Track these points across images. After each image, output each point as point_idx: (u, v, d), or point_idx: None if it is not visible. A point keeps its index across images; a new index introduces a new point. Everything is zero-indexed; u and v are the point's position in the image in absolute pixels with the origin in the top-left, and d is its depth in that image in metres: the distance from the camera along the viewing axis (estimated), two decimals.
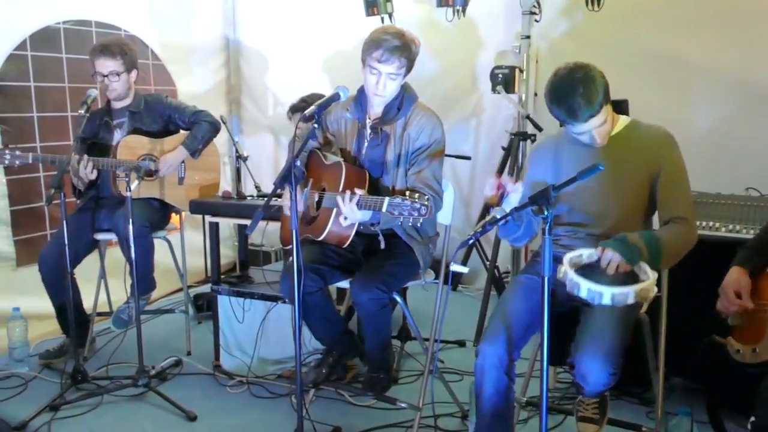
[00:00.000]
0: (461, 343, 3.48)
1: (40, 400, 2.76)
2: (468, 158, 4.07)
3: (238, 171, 3.73)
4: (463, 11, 3.67)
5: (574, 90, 1.96)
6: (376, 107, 2.50)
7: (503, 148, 3.84)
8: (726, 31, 3.36)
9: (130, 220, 2.67)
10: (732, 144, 3.35)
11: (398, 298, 2.43)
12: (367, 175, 2.47)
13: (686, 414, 2.30)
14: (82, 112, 2.83)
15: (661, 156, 2.10)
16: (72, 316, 2.87)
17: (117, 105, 3.23)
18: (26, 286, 3.36)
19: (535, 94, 3.89)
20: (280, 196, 2.62)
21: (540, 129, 3.63)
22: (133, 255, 2.74)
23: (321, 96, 3.25)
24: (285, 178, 2.11)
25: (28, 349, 3.19)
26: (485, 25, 4.14)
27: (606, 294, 1.76)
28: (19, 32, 3.50)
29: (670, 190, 2.09)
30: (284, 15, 4.72)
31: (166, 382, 3.04)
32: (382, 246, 2.51)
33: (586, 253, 1.95)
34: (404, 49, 2.36)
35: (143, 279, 3.05)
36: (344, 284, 2.52)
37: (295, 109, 3.81)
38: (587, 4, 3.42)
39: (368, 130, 2.53)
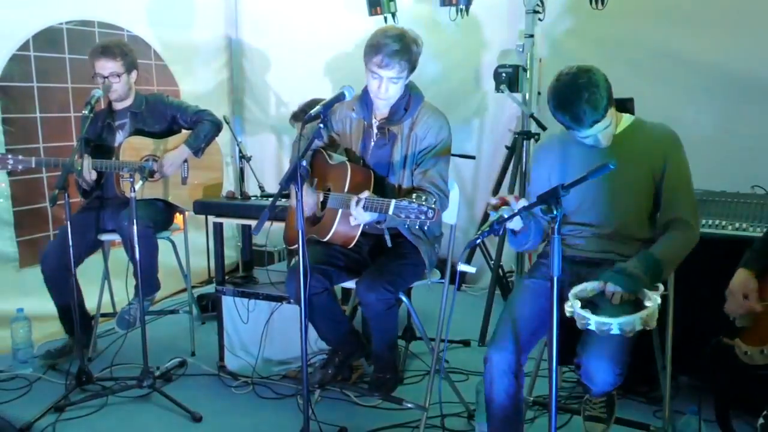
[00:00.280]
0: (466, 343, 3.48)
1: (44, 402, 2.76)
2: (472, 158, 4.06)
3: (241, 171, 3.73)
4: (467, 10, 3.66)
5: (578, 96, 1.94)
6: (381, 108, 2.49)
7: (507, 148, 3.83)
8: (731, 29, 3.35)
9: (135, 221, 2.66)
10: (737, 142, 3.35)
11: (404, 298, 2.42)
12: (372, 175, 2.47)
13: (694, 413, 2.29)
14: (86, 112, 2.82)
15: (665, 155, 2.09)
16: (76, 316, 2.87)
17: (118, 106, 3.23)
18: (30, 286, 3.36)
19: (539, 93, 3.88)
20: (286, 196, 2.62)
21: (544, 128, 3.62)
22: (137, 255, 2.73)
23: (320, 101, 3.25)
24: (291, 178, 2.10)
25: (32, 350, 3.18)
26: (489, 24, 4.14)
27: (614, 325, 1.84)
28: (22, 33, 3.50)
29: (673, 191, 2.09)
30: (286, 14, 4.71)
31: (170, 383, 3.04)
32: (389, 244, 2.50)
33: (590, 287, 1.99)
34: (404, 52, 2.34)
35: (148, 280, 3.05)
36: (350, 284, 2.52)
37: (296, 118, 3.81)
38: (591, 3, 3.41)
39: (375, 130, 2.52)
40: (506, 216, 1.94)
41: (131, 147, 3.15)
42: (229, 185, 4.27)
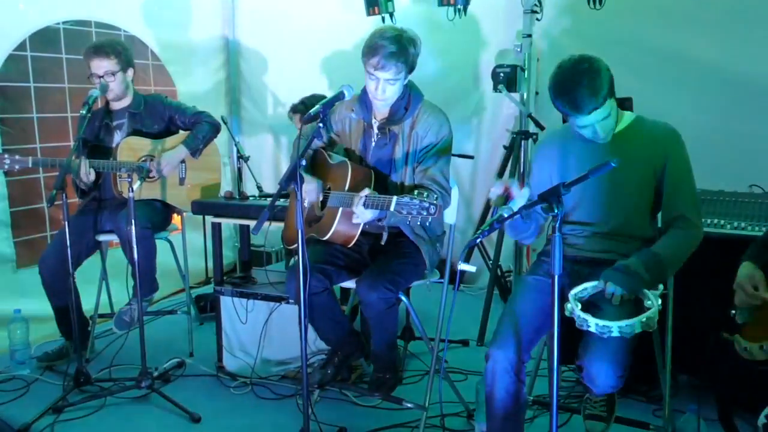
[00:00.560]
0: (465, 343, 3.48)
1: (42, 403, 2.75)
2: (471, 157, 4.07)
3: (239, 171, 3.73)
4: (465, 10, 3.66)
5: (578, 82, 1.93)
6: (381, 108, 2.49)
7: (505, 147, 3.83)
8: (729, 28, 3.36)
9: (133, 222, 2.65)
10: (735, 141, 3.35)
11: (404, 298, 2.42)
12: (373, 173, 2.46)
13: (694, 412, 2.29)
14: (84, 112, 2.81)
15: (666, 153, 2.09)
16: (75, 319, 2.86)
17: (116, 106, 3.22)
18: (27, 287, 3.35)
19: (537, 93, 3.88)
20: (286, 196, 2.62)
21: (542, 128, 3.62)
22: (135, 256, 2.72)
23: (322, 97, 3.24)
24: (291, 178, 2.09)
25: (29, 351, 3.17)
26: (486, 23, 4.15)
27: (614, 328, 1.84)
28: (18, 32, 3.48)
29: (675, 188, 2.08)
30: (284, 14, 4.71)
31: (169, 384, 3.03)
32: (383, 241, 2.50)
33: (590, 286, 1.99)
34: (401, 54, 2.34)
35: (146, 281, 3.04)
36: (350, 284, 2.51)
37: (295, 110, 3.80)
38: (589, 3, 3.42)
39: (375, 130, 2.52)
40: (506, 215, 1.93)
41: (129, 147, 3.14)
42: (226, 185, 4.27)
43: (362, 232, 2.43)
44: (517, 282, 3.62)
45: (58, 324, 3.15)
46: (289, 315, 2.93)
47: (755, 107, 3.32)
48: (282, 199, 2.64)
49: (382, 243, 2.52)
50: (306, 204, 2.55)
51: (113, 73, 3.06)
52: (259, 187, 3.58)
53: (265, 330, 3.00)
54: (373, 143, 2.53)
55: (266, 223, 2.09)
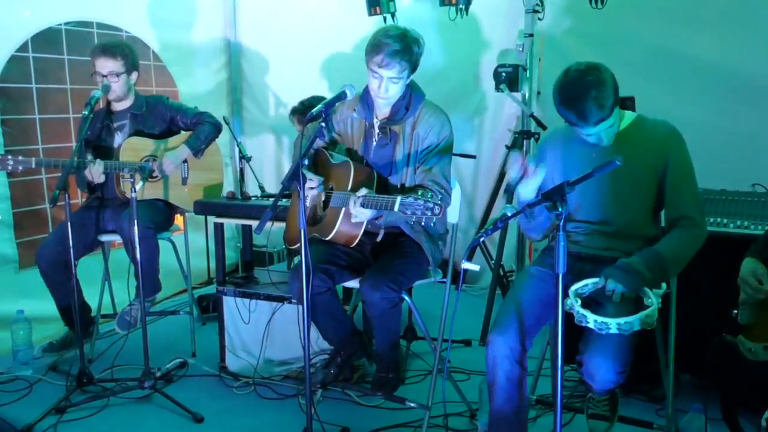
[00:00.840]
0: (467, 343, 3.47)
1: (45, 403, 2.75)
2: (473, 157, 4.07)
3: (241, 171, 3.73)
4: (466, 10, 3.66)
5: (585, 94, 1.94)
6: (383, 108, 2.49)
7: (507, 147, 3.83)
8: (731, 27, 3.36)
9: (135, 222, 2.66)
10: (737, 140, 3.35)
11: (406, 297, 2.42)
12: (375, 173, 2.46)
13: (698, 411, 2.29)
14: (86, 113, 2.82)
15: (668, 152, 2.09)
16: (76, 307, 2.85)
17: (118, 107, 3.22)
18: (30, 288, 3.35)
19: (539, 93, 3.89)
20: (288, 196, 2.62)
21: (544, 127, 3.62)
22: (138, 256, 2.72)
23: (322, 98, 3.24)
24: (293, 177, 2.09)
25: (32, 352, 3.17)
26: (488, 23, 4.14)
27: (612, 325, 1.85)
28: (20, 33, 3.49)
29: (677, 188, 2.09)
30: (285, 15, 4.71)
31: (171, 384, 3.03)
32: (379, 239, 2.50)
33: (591, 283, 1.99)
34: (405, 52, 2.35)
35: (149, 281, 3.04)
36: (352, 284, 2.51)
37: (295, 112, 3.81)
38: (590, 2, 3.41)
39: (376, 130, 2.52)
40: (509, 214, 1.94)
41: (131, 148, 3.14)
42: (228, 186, 4.27)
43: (365, 232, 2.43)
44: (521, 272, 3.61)
45: (61, 315, 3.14)
46: (292, 315, 2.93)
47: (758, 106, 3.31)
48: (284, 199, 2.64)
49: (378, 240, 2.52)
50: (308, 204, 2.55)
51: (117, 74, 3.07)
52: (261, 188, 3.58)
53: (267, 330, 3.00)
54: (375, 143, 2.53)
55: (269, 223, 2.09)
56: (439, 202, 2.05)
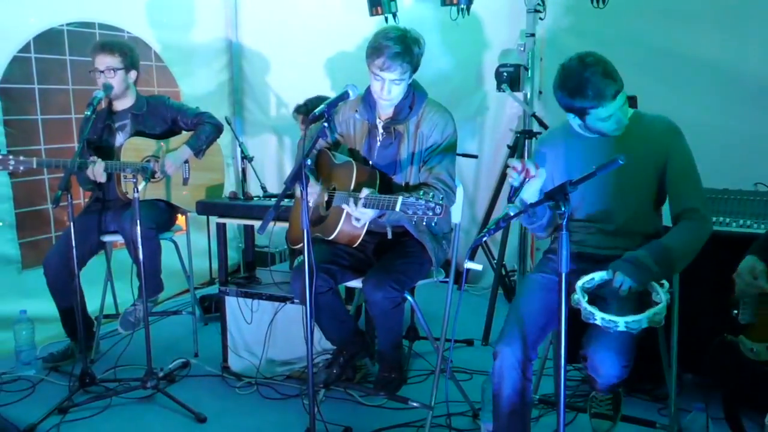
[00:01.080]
0: (469, 342, 3.47)
1: (47, 403, 2.76)
2: (475, 156, 4.07)
3: (243, 172, 3.73)
4: (468, 10, 3.66)
5: (593, 72, 1.93)
6: (386, 108, 2.49)
7: (509, 147, 3.83)
8: (733, 26, 3.36)
9: (138, 222, 2.66)
10: (740, 139, 3.35)
11: (409, 297, 2.42)
12: (378, 173, 2.46)
13: (701, 410, 2.28)
14: (88, 113, 2.82)
15: (667, 147, 2.09)
16: (80, 319, 2.87)
17: (119, 107, 3.22)
18: (32, 288, 3.34)
19: (540, 92, 3.89)
20: (291, 196, 2.62)
21: (545, 127, 3.63)
22: (140, 256, 2.73)
23: (325, 98, 3.25)
24: (296, 177, 2.09)
25: (34, 352, 3.18)
26: (490, 23, 4.15)
27: (620, 323, 1.83)
28: (22, 34, 3.49)
29: (680, 182, 2.08)
30: (286, 16, 4.71)
31: (174, 384, 3.03)
32: (389, 236, 2.50)
33: (598, 276, 1.98)
34: (406, 54, 2.34)
35: (151, 281, 3.04)
36: (355, 284, 2.52)
37: (299, 110, 3.81)
38: (592, 1, 3.42)
39: (380, 130, 2.52)
40: (512, 214, 1.93)
41: (132, 148, 3.14)
42: (230, 186, 4.27)
43: (367, 232, 2.43)
44: (523, 280, 3.61)
45: (63, 324, 3.16)
46: (294, 315, 2.93)
47: (760, 106, 3.31)
48: (287, 199, 2.65)
49: (389, 237, 2.52)
50: (311, 204, 2.55)
51: (114, 70, 3.07)
52: (263, 188, 3.58)
53: (270, 330, 3.00)
54: (378, 143, 2.53)
55: (271, 223, 2.09)
56: (441, 201, 2.05)
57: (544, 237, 2.27)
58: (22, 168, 2.96)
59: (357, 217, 2.30)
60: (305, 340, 2.12)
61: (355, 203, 2.25)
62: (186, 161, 3.25)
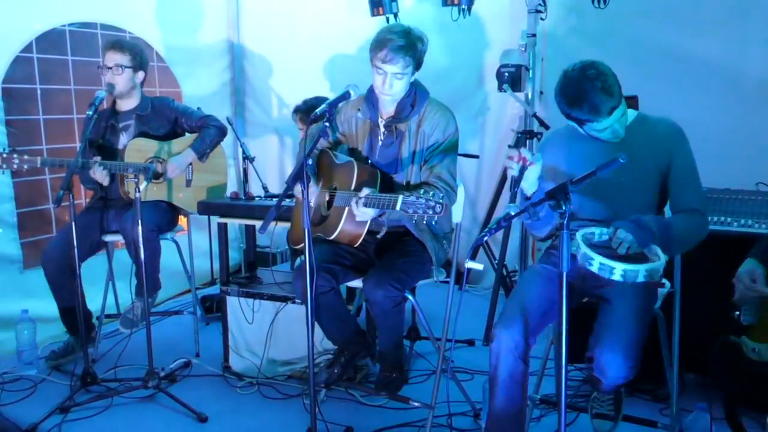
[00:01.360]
0: (470, 343, 3.47)
1: (49, 403, 2.76)
2: (476, 156, 4.07)
3: (244, 172, 3.74)
4: (469, 10, 3.67)
5: (592, 86, 1.94)
6: (387, 106, 2.49)
7: (510, 147, 3.83)
8: (734, 26, 3.36)
9: (139, 222, 2.66)
10: (741, 140, 3.35)
11: (410, 297, 2.42)
12: (379, 173, 2.47)
13: (703, 410, 2.28)
14: (90, 113, 2.83)
15: (671, 149, 2.10)
16: (80, 314, 2.86)
17: (123, 107, 3.23)
18: (34, 288, 3.35)
19: (541, 93, 3.89)
20: (292, 196, 2.62)
21: (547, 127, 3.62)
22: (142, 257, 2.73)
23: (324, 99, 3.25)
24: (297, 177, 2.10)
25: (36, 352, 3.18)
26: (491, 23, 4.15)
27: (617, 269, 1.80)
28: (25, 35, 3.50)
29: (681, 184, 2.10)
30: (287, 17, 4.71)
31: (175, 384, 3.03)
32: (380, 235, 2.50)
33: (599, 231, 1.97)
34: (409, 48, 2.35)
35: (149, 281, 3.04)
36: (356, 284, 2.52)
37: (298, 111, 3.81)
38: (593, 2, 3.42)
39: (382, 129, 2.52)
40: (513, 213, 1.93)
41: (136, 149, 3.15)
42: (232, 186, 4.27)
43: (368, 231, 2.43)
44: (527, 269, 3.60)
45: (62, 319, 3.15)
46: (295, 315, 2.93)
47: (762, 105, 3.31)
48: (288, 199, 2.65)
49: (379, 237, 2.52)
50: (311, 205, 2.56)
51: (122, 67, 3.09)
52: (265, 188, 3.59)
53: (271, 330, 3.00)
54: (380, 142, 2.53)
55: (272, 223, 2.10)
56: (441, 200, 2.05)
57: (542, 238, 2.27)
58: (26, 167, 2.96)
59: (358, 216, 2.30)
60: (306, 339, 2.12)
61: (356, 203, 2.25)
62: (189, 164, 3.26)
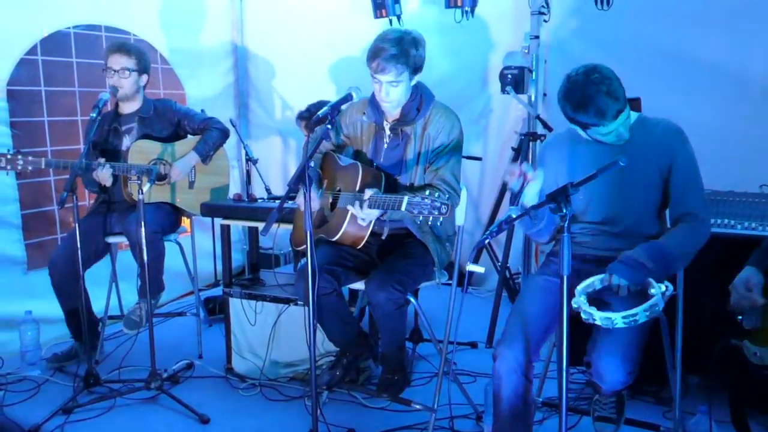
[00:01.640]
0: (473, 345, 3.47)
1: (52, 404, 2.77)
2: (479, 159, 4.07)
3: (247, 174, 3.74)
4: (472, 12, 3.66)
5: (597, 90, 1.94)
6: (391, 111, 2.50)
7: (513, 149, 3.83)
8: (737, 28, 3.35)
9: (143, 223, 2.67)
10: (745, 141, 3.33)
11: (412, 299, 2.42)
12: (383, 175, 2.47)
13: (705, 413, 2.27)
14: (94, 115, 2.84)
15: (672, 151, 2.09)
16: (85, 319, 2.88)
17: (126, 110, 3.24)
18: (38, 289, 3.36)
19: (545, 95, 3.88)
20: (294, 198, 2.63)
21: (550, 129, 3.62)
22: (145, 258, 2.74)
23: (327, 103, 3.26)
24: (299, 179, 2.10)
25: (40, 353, 3.19)
26: (494, 25, 4.14)
27: (617, 320, 1.85)
28: (29, 37, 3.52)
29: (682, 186, 2.08)
30: (291, 18, 4.72)
31: (178, 385, 3.04)
32: (384, 236, 2.51)
33: (597, 280, 2.00)
34: (401, 55, 2.33)
35: (152, 282, 3.05)
36: (359, 285, 2.52)
37: (302, 117, 3.82)
38: (596, 4, 3.41)
39: (387, 132, 2.53)
40: (514, 216, 1.93)
41: (139, 150, 3.16)
42: (235, 188, 4.28)
43: (371, 233, 2.43)
44: (526, 281, 3.61)
45: (67, 325, 3.17)
46: (298, 317, 2.94)
47: (765, 108, 3.29)
48: (290, 201, 2.65)
49: (383, 238, 2.52)
50: (313, 209, 2.56)
51: (128, 71, 3.10)
52: (268, 190, 3.59)
53: (273, 332, 3.01)
54: (386, 145, 2.53)
55: (275, 225, 2.10)
56: (447, 201, 2.05)
57: (545, 242, 2.27)
58: (30, 168, 2.97)
59: (362, 218, 2.30)
60: (308, 341, 2.12)
61: (360, 205, 2.25)
62: (193, 166, 3.27)
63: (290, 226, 2.81)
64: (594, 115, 1.97)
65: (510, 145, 3.93)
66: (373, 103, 2.52)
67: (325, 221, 2.54)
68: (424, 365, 3.21)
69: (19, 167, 2.94)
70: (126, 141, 3.22)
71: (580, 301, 1.89)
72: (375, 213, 2.27)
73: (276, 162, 5.03)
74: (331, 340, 2.63)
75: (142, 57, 3.17)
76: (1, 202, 3.41)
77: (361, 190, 2.31)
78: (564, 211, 1.66)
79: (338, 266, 2.44)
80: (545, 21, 3.66)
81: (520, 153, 3.70)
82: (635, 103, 2.80)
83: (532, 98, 3.69)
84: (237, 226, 4.41)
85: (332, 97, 3.89)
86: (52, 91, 3.69)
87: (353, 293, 2.94)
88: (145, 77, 3.21)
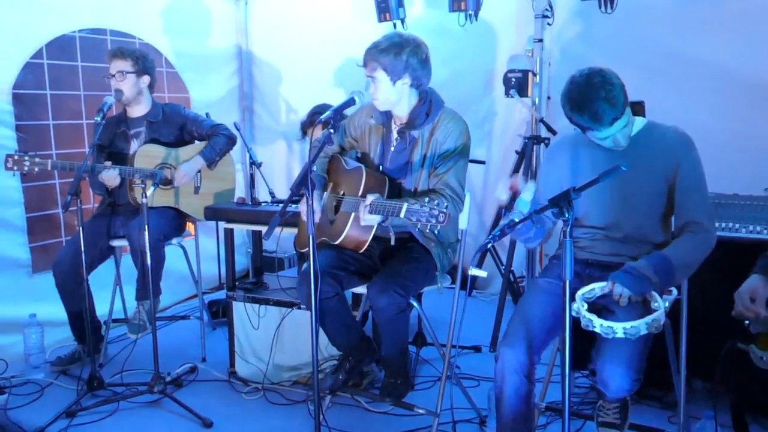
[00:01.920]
0: (477, 349, 3.46)
1: (56, 407, 2.77)
2: (482, 162, 4.06)
3: (252, 177, 3.75)
4: (476, 16, 3.66)
5: (596, 94, 1.93)
6: (397, 113, 2.50)
7: (517, 153, 3.82)
8: (741, 31, 3.33)
9: (146, 227, 2.67)
10: (749, 144, 3.32)
11: (415, 303, 2.42)
12: (387, 179, 2.47)
13: (710, 418, 2.26)
14: (98, 119, 2.85)
15: (678, 158, 2.07)
16: (88, 323, 2.89)
17: (134, 113, 3.26)
18: (42, 292, 3.37)
19: (549, 98, 3.87)
20: (297, 201, 2.63)
21: (554, 132, 3.62)
22: (149, 261, 2.75)
23: (329, 106, 3.26)
24: (302, 183, 2.10)
25: (44, 356, 3.20)
26: (498, 29, 4.14)
27: (618, 330, 1.83)
28: (35, 41, 3.54)
29: (687, 194, 2.07)
30: (295, 22, 4.73)
31: (181, 389, 3.04)
32: (392, 242, 2.50)
33: (598, 287, 1.98)
34: (387, 51, 2.33)
35: (148, 285, 3.05)
36: (361, 289, 2.51)
37: (304, 125, 3.83)
38: (600, 6, 3.40)
39: (395, 135, 2.53)
40: (517, 220, 1.93)
41: (145, 155, 3.17)
42: (239, 191, 4.28)
43: (374, 237, 2.43)
44: (529, 284, 3.60)
45: (71, 327, 3.18)
46: (301, 320, 2.94)
47: None
48: (293, 205, 2.65)
49: (392, 244, 2.52)
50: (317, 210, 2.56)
51: (124, 73, 3.11)
52: (272, 193, 3.60)
53: (277, 335, 3.01)
54: (393, 148, 2.53)
55: (278, 229, 2.10)
56: (445, 209, 2.04)
57: (535, 246, 2.26)
58: (37, 169, 2.98)
59: (364, 222, 2.30)
60: (311, 345, 2.12)
61: (362, 209, 2.25)
62: (198, 171, 3.28)
63: (294, 230, 2.81)
64: (589, 118, 1.96)
65: (514, 149, 3.91)
66: None
67: (329, 225, 2.54)
68: (427, 369, 3.20)
69: (26, 168, 2.95)
70: (134, 145, 3.23)
71: (580, 307, 1.88)
72: (376, 218, 2.27)
73: (281, 165, 5.03)
74: (333, 344, 2.63)
75: (140, 58, 3.16)
76: (6, 205, 3.43)
77: (364, 195, 2.31)
78: (566, 215, 1.65)
79: (341, 270, 2.43)
80: (549, 24, 3.65)
81: (523, 157, 3.69)
82: (639, 107, 2.78)
83: (536, 101, 3.68)
84: (241, 230, 4.41)
85: (336, 101, 3.90)
86: (57, 95, 3.71)
87: (357, 297, 2.94)
88: (146, 78, 3.21)
